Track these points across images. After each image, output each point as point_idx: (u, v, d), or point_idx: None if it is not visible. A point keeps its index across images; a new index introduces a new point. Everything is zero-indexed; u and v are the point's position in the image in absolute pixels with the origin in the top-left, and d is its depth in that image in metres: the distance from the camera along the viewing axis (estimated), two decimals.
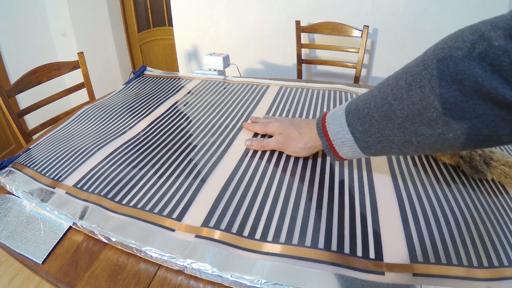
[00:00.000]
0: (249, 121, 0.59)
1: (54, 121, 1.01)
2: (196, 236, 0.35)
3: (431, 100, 0.27)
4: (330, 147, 0.39)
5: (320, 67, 1.63)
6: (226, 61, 0.96)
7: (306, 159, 0.48)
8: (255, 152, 0.50)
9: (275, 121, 0.51)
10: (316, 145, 0.45)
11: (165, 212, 0.38)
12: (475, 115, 0.25)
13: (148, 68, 0.94)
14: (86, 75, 1.11)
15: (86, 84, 1.12)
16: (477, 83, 0.24)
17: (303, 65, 1.51)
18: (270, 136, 0.52)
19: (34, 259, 0.35)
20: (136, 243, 0.34)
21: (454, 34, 0.27)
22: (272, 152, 0.50)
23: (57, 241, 0.37)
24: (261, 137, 0.54)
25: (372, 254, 0.32)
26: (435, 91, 0.27)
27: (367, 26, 1.29)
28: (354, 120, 0.35)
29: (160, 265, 0.34)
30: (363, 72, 1.55)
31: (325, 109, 0.65)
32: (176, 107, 0.68)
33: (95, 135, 0.57)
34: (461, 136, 0.27)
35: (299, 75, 1.47)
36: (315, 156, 0.49)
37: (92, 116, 0.66)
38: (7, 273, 1.16)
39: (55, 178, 0.46)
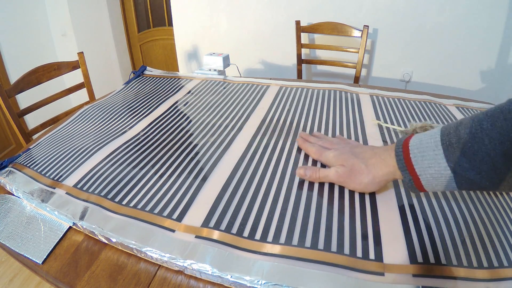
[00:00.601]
0: (299, 136, 0.53)
1: (54, 121, 1.01)
2: (196, 237, 0.35)
3: None
4: (414, 181, 0.34)
5: (320, 67, 1.63)
6: (226, 61, 0.96)
7: (306, 159, 0.48)
8: (255, 152, 0.50)
9: (334, 147, 0.45)
10: (387, 178, 0.38)
11: (165, 213, 0.38)
12: None
13: (148, 68, 0.94)
14: (86, 75, 1.11)
15: (86, 84, 1.12)
16: None
17: (303, 65, 1.51)
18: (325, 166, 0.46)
19: (34, 259, 0.35)
20: (136, 243, 0.34)
21: None
22: (272, 151, 0.50)
23: (57, 241, 0.37)
24: (312, 164, 0.48)
25: (372, 255, 0.32)
26: None
27: (367, 26, 1.29)
28: (458, 156, 0.31)
29: (160, 265, 0.34)
30: (363, 72, 1.55)
31: (325, 109, 0.65)
32: (176, 107, 0.68)
33: (95, 135, 0.57)
34: None
35: (299, 75, 1.47)
36: None
37: (92, 116, 0.66)
38: (7, 273, 1.16)
39: (55, 178, 0.46)
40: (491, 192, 0.41)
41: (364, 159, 0.40)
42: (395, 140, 0.54)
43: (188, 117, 0.63)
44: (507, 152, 0.28)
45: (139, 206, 0.39)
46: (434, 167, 0.32)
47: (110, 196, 0.41)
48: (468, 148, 0.30)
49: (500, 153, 0.28)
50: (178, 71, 1.62)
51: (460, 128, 0.32)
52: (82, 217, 0.38)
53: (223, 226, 0.36)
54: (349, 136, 0.55)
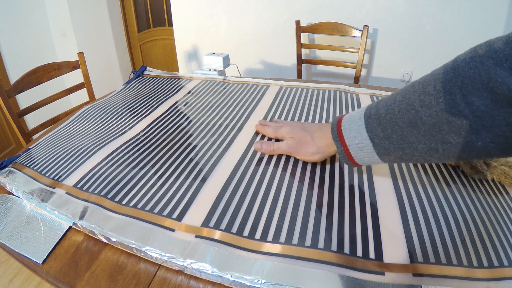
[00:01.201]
0: (258, 123, 0.58)
1: (54, 121, 1.01)
2: (196, 236, 0.35)
3: (461, 107, 0.27)
4: (345, 152, 0.38)
5: (320, 67, 1.63)
6: (226, 61, 0.96)
7: None
8: (255, 152, 0.50)
9: (286, 125, 0.50)
10: (329, 150, 0.43)
11: (165, 212, 0.38)
12: (506, 123, 0.25)
13: (148, 68, 0.94)
14: (86, 75, 1.11)
15: (86, 84, 1.12)
16: (510, 91, 0.24)
17: (303, 65, 1.51)
18: (280, 140, 0.51)
19: (34, 259, 0.35)
20: (136, 243, 0.34)
21: (485, 44, 0.27)
22: None
23: (57, 241, 0.37)
24: (271, 140, 0.52)
25: (372, 254, 0.32)
26: (466, 98, 0.27)
27: (367, 26, 1.29)
28: (374, 126, 0.34)
29: (160, 265, 0.34)
30: (363, 72, 1.55)
31: (325, 109, 0.65)
32: (176, 107, 0.68)
33: (95, 135, 0.57)
34: (490, 144, 0.27)
35: (299, 75, 1.47)
36: None
37: (92, 116, 0.66)
38: (7, 273, 1.16)
39: (55, 178, 0.46)
40: (490, 192, 0.41)
41: (311, 132, 0.46)
42: None
43: (188, 117, 0.63)
44: (412, 120, 0.30)
45: (139, 206, 0.39)
46: (357, 137, 0.36)
47: (110, 195, 0.41)
48: (382, 118, 0.33)
49: (407, 121, 0.31)
50: (178, 71, 1.62)
51: (381, 102, 0.35)
52: (82, 217, 0.38)
53: (223, 225, 0.36)
54: None
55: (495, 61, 0.25)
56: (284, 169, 0.46)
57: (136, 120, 0.62)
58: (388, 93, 0.73)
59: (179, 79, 0.86)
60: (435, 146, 0.30)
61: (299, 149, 0.46)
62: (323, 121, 0.61)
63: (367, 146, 0.35)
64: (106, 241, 0.37)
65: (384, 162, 0.37)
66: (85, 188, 0.43)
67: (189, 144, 0.53)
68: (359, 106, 0.67)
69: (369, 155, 0.36)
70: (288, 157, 0.49)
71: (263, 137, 0.55)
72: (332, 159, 0.48)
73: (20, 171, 0.48)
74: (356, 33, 1.33)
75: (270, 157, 0.49)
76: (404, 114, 0.31)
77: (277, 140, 0.52)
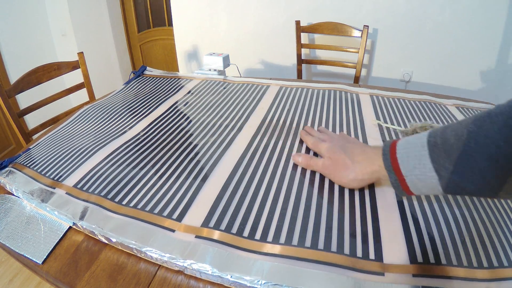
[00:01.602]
0: (304, 128, 0.55)
1: (54, 121, 1.01)
2: (196, 237, 0.35)
3: None
4: (400, 182, 0.34)
5: (320, 67, 1.63)
6: (226, 61, 0.96)
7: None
8: (255, 152, 0.50)
9: (328, 140, 0.47)
10: (371, 177, 0.39)
11: (165, 213, 0.38)
12: None
13: (148, 68, 0.94)
14: (86, 75, 1.11)
15: (86, 84, 1.12)
16: None
17: (303, 65, 1.51)
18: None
19: (34, 259, 0.35)
20: (136, 243, 0.34)
21: None
22: (272, 151, 0.50)
23: (57, 241, 0.37)
24: (313, 154, 0.49)
25: (372, 255, 0.32)
26: None
27: (367, 26, 1.29)
28: (442, 157, 0.30)
29: (160, 265, 0.34)
30: (363, 72, 1.55)
31: (325, 109, 0.65)
32: (176, 107, 0.68)
33: (95, 135, 0.57)
34: None
35: (299, 75, 1.47)
36: (315, 156, 0.49)
37: (92, 116, 0.66)
38: (7, 273, 1.16)
39: (55, 178, 0.46)
40: None
41: (352, 155, 0.41)
42: None
43: (188, 117, 0.63)
44: (492, 156, 0.27)
45: (139, 206, 0.39)
46: (419, 168, 0.32)
47: (110, 196, 0.41)
48: (453, 150, 0.29)
49: (485, 157, 0.28)
50: (178, 71, 1.62)
51: (447, 130, 0.31)
52: (82, 217, 0.38)
53: (223, 226, 0.36)
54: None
55: None
56: (284, 169, 0.46)
57: (136, 120, 0.62)
58: (388, 93, 0.73)
59: (179, 79, 0.86)
60: None
61: (335, 173, 0.42)
62: (323, 121, 0.61)
63: (432, 179, 0.31)
64: (106, 242, 0.37)
65: (447, 194, 0.33)
66: (85, 188, 0.43)
67: (189, 144, 0.53)
68: (359, 106, 0.67)
69: (431, 187, 0.32)
70: (288, 157, 0.49)
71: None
72: None
73: (20, 171, 0.48)
74: (356, 33, 1.33)
75: (270, 157, 0.49)
76: (481, 149, 0.28)
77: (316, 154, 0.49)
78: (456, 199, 0.40)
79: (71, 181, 0.45)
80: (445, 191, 0.31)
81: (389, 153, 0.35)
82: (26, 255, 0.36)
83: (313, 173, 0.45)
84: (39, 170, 0.48)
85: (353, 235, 0.34)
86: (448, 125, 0.32)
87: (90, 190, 0.43)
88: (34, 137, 0.79)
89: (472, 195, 0.33)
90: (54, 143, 0.56)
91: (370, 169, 0.38)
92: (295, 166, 0.46)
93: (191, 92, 0.77)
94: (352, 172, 0.40)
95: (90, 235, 0.38)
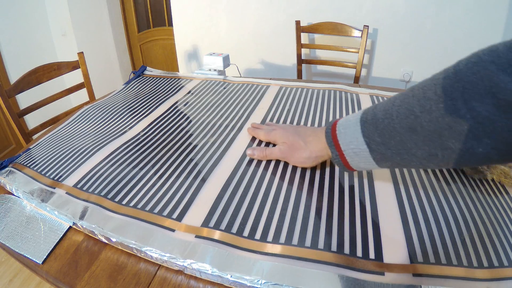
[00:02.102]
0: (250, 125, 0.57)
1: (54, 121, 1.01)
2: (196, 236, 0.35)
3: (462, 113, 0.26)
4: (340, 157, 0.38)
5: (320, 67, 1.63)
6: (226, 61, 0.96)
7: None
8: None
9: (279, 128, 0.50)
10: (322, 154, 0.43)
11: (165, 212, 0.38)
12: (508, 129, 0.25)
13: (148, 68, 0.94)
14: (86, 75, 1.11)
15: (86, 84, 1.12)
16: None
17: (303, 65, 1.51)
18: (274, 145, 0.50)
19: (34, 259, 0.35)
20: (136, 243, 0.34)
21: (488, 49, 0.27)
22: None
23: (57, 241, 0.37)
24: (264, 145, 0.52)
25: (372, 255, 0.32)
26: (468, 104, 0.26)
27: (367, 26, 1.29)
28: (371, 131, 0.33)
29: (160, 265, 0.34)
30: (363, 72, 1.55)
31: (325, 109, 0.65)
32: (176, 107, 0.68)
33: (95, 135, 0.57)
34: (491, 151, 0.26)
35: (299, 75, 1.47)
36: None
37: (92, 116, 0.66)
38: (7, 273, 1.16)
39: (55, 178, 0.46)
40: (490, 192, 0.41)
41: (304, 136, 0.45)
42: None
43: (188, 117, 0.63)
44: (411, 126, 0.30)
45: (139, 206, 0.39)
46: (353, 143, 0.35)
47: (110, 196, 0.41)
48: (380, 123, 0.33)
49: (406, 127, 0.30)
50: (178, 71, 1.62)
51: (378, 106, 0.34)
52: (82, 217, 0.38)
53: (223, 225, 0.36)
54: None
55: (498, 66, 0.25)
56: (285, 169, 0.46)
57: (136, 120, 0.62)
58: (388, 93, 0.73)
59: (179, 79, 0.86)
60: (435, 152, 0.29)
61: (292, 154, 0.45)
62: (323, 121, 0.61)
63: (364, 152, 0.35)
64: (106, 241, 0.37)
65: (380, 168, 0.36)
66: (85, 188, 0.43)
67: (189, 144, 0.53)
68: (359, 106, 0.67)
69: (365, 160, 0.35)
70: None
71: (260, 141, 0.54)
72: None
73: (20, 171, 0.48)
74: (356, 33, 1.33)
75: None
76: (402, 119, 0.31)
77: (269, 144, 0.52)
78: (456, 199, 0.40)
79: (71, 181, 0.45)
80: (378, 164, 0.35)
81: (330, 130, 0.39)
82: (26, 255, 0.36)
83: (313, 172, 0.45)
84: (39, 170, 0.48)
85: (353, 234, 0.34)
86: (380, 102, 0.35)
87: (90, 190, 0.43)
88: (34, 137, 0.79)
89: (401, 167, 0.35)
90: (54, 143, 0.56)
91: (319, 147, 0.42)
92: (295, 166, 0.46)
93: (191, 92, 0.77)
94: (305, 151, 0.44)
95: (90, 235, 0.38)
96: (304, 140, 0.44)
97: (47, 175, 0.47)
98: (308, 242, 0.33)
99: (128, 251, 0.35)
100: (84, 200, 0.41)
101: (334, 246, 0.33)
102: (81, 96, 1.15)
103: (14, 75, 1.81)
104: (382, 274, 0.30)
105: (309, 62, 1.46)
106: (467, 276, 0.30)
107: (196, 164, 0.48)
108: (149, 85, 0.82)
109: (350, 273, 0.30)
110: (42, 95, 1.01)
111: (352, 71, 1.49)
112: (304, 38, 1.57)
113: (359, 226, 0.35)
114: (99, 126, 0.61)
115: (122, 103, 0.71)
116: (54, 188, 0.44)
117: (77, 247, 0.37)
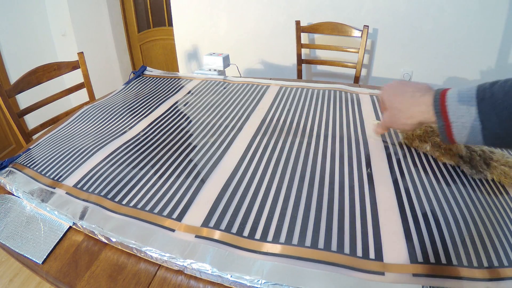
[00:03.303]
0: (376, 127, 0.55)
1: (54, 121, 1.00)
2: (196, 236, 0.35)
3: None
4: (445, 128, 0.37)
5: (320, 67, 1.63)
6: (226, 61, 0.96)
7: (306, 159, 0.48)
8: (255, 152, 0.50)
9: (382, 93, 0.48)
10: (420, 119, 0.41)
11: (165, 212, 0.38)
12: None
13: (148, 68, 0.94)
14: (86, 75, 1.11)
15: (86, 84, 1.12)
16: None
17: (303, 65, 1.51)
18: None
19: (34, 259, 0.35)
20: (136, 243, 0.34)
21: None
22: (272, 151, 0.50)
23: (57, 241, 0.37)
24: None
25: (372, 254, 0.32)
26: None
27: (367, 26, 1.29)
28: (489, 109, 0.33)
29: (160, 265, 0.34)
30: (363, 72, 1.55)
31: (325, 109, 0.65)
32: (176, 107, 0.68)
33: (95, 135, 0.57)
34: None
35: (299, 75, 1.47)
36: (315, 156, 0.49)
37: (92, 116, 0.66)
38: (7, 273, 1.16)
39: (55, 178, 0.46)
40: (490, 192, 0.41)
41: (403, 98, 0.43)
42: (395, 140, 0.54)
43: (188, 117, 0.63)
44: None
45: (139, 206, 0.39)
46: (465, 117, 0.35)
47: (110, 196, 0.41)
48: (499, 104, 0.32)
49: None
50: (178, 71, 1.62)
51: (495, 86, 0.34)
52: (82, 217, 0.38)
53: (223, 225, 0.36)
54: (349, 136, 0.55)
55: None
56: (284, 169, 0.46)
57: (136, 120, 0.62)
58: None
59: (179, 79, 0.86)
60: None
61: (393, 121, 0.45)
62: (323, 121, 0.60)
63: (475, 128, 0.34)
64: (106, 241, 0.37)
65: (485, 145, 0.36)
66: (85, 188, 0.43)
67: (189, 144, 0.53)
68: (359, 106, 0.67)
69: (473, 136, 0.35)
70: (288, 157, 0.49)
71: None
72: (332, 157, 0.48)
73: (20, 171, 0.48)
74: (356, 33, 1.33)
75: (270, 157, 0.49)
76: None
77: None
78: (456, 199, 0.40)
79: (71, 181, 0.45)
80: (485, 141, 0.34)
81: (439, 99, 0.38)
82: (26, 255, 0.36)
83: (313, 172, 0.45)
84: (39, 170, 0.48)
85: (353, 234, 0.34)
86: (496, 81, 0.35)
87: (90, 190, 0.43)
88: (34, 137, 0.79)
89: (509, 148, 0.36)
90: (54, 143, 0.56)
91: (420, 112, 0.41)
92: (295, 165, 0.46)
93: (191, 92, 0.77)
94: (404, 115, 0.43)
95: (90, 235, 0.38)
96: (403, 103, 0.43)
97: (47, 175, 0.47)
98: (308, 241, 0.33)
99: (128, 251, 0.35)
100: (84, 200, 0.41)
101: (334, 246, 0.33)
102: (81, 96, 1.15)
103: (14, 75, 1.81)
104: (382, 274, 0.30)
105: (309, 62, 1.46)
106: (467, 276, 0.30)
107: (196, 164, 0.47)
108: (149, 85, 0.82)
109: (350, 273, 0.30)
110: (42, 95, 1.01)
111: (352, 71, 1.49)
112: (304, 38, 1.57)
113: (359, 226, 0.35)
114: (99, 126, 0.61)
115: (122, 103, 0.71)
116: (54, 188, 0.44)
117: (77, 247, 0.37)
